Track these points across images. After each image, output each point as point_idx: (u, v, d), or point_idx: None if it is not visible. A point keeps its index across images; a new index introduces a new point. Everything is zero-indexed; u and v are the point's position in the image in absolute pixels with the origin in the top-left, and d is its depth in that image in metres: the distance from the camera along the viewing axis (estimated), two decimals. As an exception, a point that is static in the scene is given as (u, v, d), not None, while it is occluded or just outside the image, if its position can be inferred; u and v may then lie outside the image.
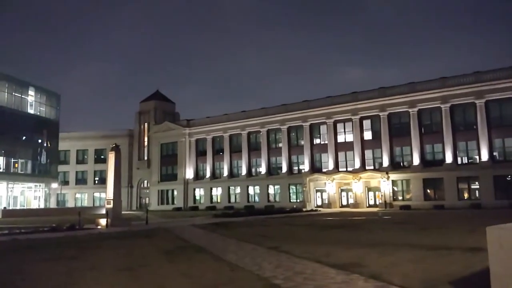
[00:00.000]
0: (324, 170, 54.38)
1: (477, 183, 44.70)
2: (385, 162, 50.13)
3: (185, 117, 73.18)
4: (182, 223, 27.79)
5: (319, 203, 53.97)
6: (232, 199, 62.57)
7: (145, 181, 74.31)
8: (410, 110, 49.31)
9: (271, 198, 59.07)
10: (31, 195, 60.91)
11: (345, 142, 53.93)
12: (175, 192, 68.37)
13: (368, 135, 52.57)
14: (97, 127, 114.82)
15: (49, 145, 63.71)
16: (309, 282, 7.58)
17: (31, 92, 61.43)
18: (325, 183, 52.60)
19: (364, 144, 52.32)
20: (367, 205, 50.32)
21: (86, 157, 77.01)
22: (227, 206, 58.68)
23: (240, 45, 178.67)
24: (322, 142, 56.08)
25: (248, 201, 60.17)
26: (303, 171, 56.05)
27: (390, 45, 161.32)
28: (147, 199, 73.02)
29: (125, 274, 8.93)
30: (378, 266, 8.92)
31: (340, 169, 53.29)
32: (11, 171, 56.88)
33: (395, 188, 49.09)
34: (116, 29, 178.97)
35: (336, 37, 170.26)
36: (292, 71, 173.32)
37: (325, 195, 53.60)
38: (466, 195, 45.38)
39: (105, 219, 24.50)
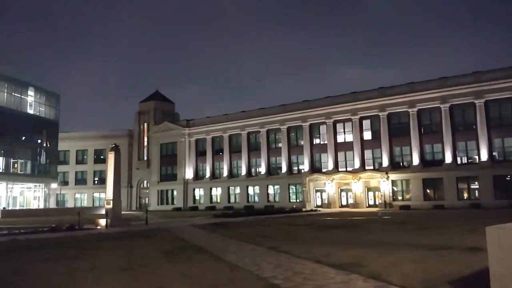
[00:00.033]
0: (323, 170, 54.41)
1: (476, 183, 44.75)
2: (385, 162, 50.16)
3: (185, 117, 73.24)
4: (181, 223, 27.79)
5: (319, 203, 53.99)
6: (232, 199, 62.57)
7: (145, 181, 74.29)
8: (409, 110, 49.34)
9: (271, 198, 59.06)
10: (30, 195, 60.90)
11: (344, 142, 53.95)
12: (175, 192, 68.36)
13: (367, 135, 52.61)
14: (97, 127, 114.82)
15: (48, 145, 63.66)
16: (309, 282, 7.58)
17: (31, 92, 61.39)
18: (324, 183, 52.62)
19: (364, 144, 52.35)
20: (367, 205, 50.35)
21: (85, 157, 76.97)
22: (226, 206, 58.65)
23: (240, 45, 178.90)
24: (321, 142, 56.10)
25: (247, 201, 60.17)
26: (302, 171, 56.06)
27: (390, 45, 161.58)
28: (146, 199, 72.99)
29: (125, 274, 8.93)
30: (377, 266, 8.92)
31: (339, 169, 53.31)
32: (11, 171, 56.87)
33: (395, 188, 49.12)
34: (116, 29, 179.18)
35: (336, 37, 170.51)
36: (292, 71, 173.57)
37: (324, 195, 53.62)
38: (465, 195, 45.43)
39: (104, 219, 24.49)
